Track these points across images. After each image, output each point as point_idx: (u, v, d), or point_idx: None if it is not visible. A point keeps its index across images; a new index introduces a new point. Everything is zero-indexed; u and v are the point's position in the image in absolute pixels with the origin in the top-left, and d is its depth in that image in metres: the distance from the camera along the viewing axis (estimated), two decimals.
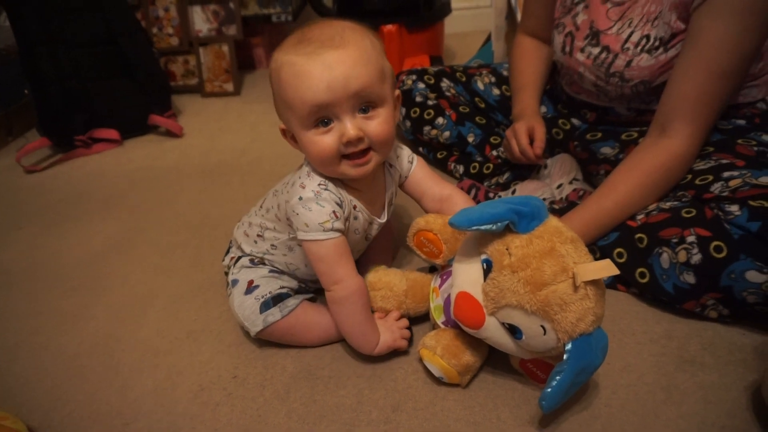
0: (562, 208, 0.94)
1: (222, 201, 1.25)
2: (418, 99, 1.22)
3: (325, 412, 0.72)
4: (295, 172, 0.79)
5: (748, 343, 0.76)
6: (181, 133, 1.63)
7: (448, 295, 0.72)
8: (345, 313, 0.75)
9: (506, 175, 1.13)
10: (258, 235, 0.85)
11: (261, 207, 0.86)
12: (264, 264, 0.85)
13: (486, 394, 0.72)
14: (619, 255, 0.84)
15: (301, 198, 0.72)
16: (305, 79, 0.66)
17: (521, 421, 0.68)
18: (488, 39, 1.72)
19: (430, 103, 1.20)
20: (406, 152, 0.86)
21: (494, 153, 1.15)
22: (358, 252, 0.87)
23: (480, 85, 1.24)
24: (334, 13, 1.83)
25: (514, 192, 1.06)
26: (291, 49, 0.68)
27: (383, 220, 0.83)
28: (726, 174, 0.80)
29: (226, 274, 0.89)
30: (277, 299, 0.79)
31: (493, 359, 0.75)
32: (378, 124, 0.70)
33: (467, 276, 0.67)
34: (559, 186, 1.05)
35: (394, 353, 0.78)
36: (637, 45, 0.90)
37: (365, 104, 0.69)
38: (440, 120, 1.19)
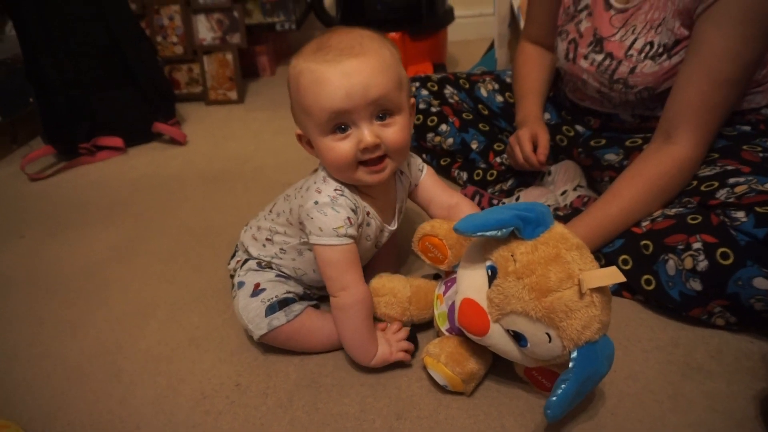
0: (567, 215, 0.94)
1: (225, 208, 1.25)
2: (422, 106, 1.22)
3: (328, 421, 0.71)
4: (309, 177, 0.80)
5: (756, 350, 0.75)
6: (185, 140, 1.64)
7: (453, 302, 0.71)
8: (347, 320, 0.75)
9: (510, 182, 1.13)
10: (267, 239, 0.85)
11: (271, 211, 0.86)
12: (271, 268, 0.85)
13: (490, 403, 0.71)
14: (625, 262, 0.83)
15: (316, 202, 0.73)
16: (324, 86, 0.67)
17: (526, 431, 0.67)
18: (491, 46, 1.73)
19: (433, 110, 1.20)
20: (416, 161, 0.87)
21: (498, 160, 1.15)
22: (366, 259, 0.87)
23: (483, 92, 1.24)
24: (338, 22, 1.84)
25: (518, 199, 1.06)
26: (311, 56, 0.69)
27: (393, 227, 0.83)
28: (732, 180, 0.80)
29: (232, 277, 0.89)
30: (282, 303, 0.78)
31: (497, 367, 0.74)
32: (394, 131, 0.71)
33: (472, 282, 0.66)
34: (563, 193, 1.04)
35: (398, 363, 0.77)
36: (640, 52, 0.90)
37: (382, 112, 0.70)
38: (443, 127, 1.19)
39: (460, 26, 2.04)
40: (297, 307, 0.78)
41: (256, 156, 1.50)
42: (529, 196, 1.05)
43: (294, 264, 0.83)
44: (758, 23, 0.76)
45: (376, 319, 0.81)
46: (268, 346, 0.82)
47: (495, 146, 1.17)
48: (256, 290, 0.81)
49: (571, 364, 0.59)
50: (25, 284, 1.06)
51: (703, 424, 0.66)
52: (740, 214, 0.74)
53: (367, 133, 0.69)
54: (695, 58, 0.81)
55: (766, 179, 0.77)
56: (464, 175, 1.19)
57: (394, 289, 0.79)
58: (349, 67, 0.67)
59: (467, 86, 1.25)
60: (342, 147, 0.70)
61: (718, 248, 0.73)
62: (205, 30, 1.89)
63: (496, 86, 1.24)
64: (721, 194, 0.79)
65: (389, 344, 0.76)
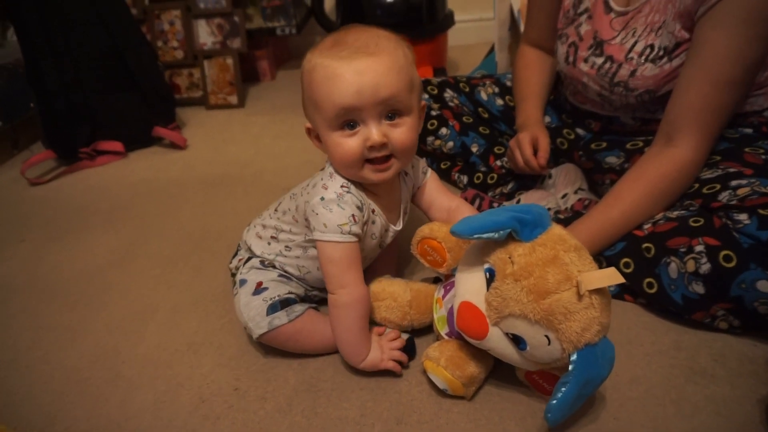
0: (568, 218, 0.93)
1: (225, 213, 1.25)
2: None
3: (328, 426, 0.70)
4: (316, 175, 0.80)
5: (760, 354, 0.74)
6: (185, 145, 1.64)
7: (452, 306, 0.71)
8: (342, 318, 0.75)
9: (510, 185, 1.12)
10: (272, 237, 0.85)
11: (276, 210, 0.87)
12: (274, 267, 0.85)
13: (491, 407, 0.70)
14: (626, 265, 0.83)
15: (322, 198, 0.74)
16: (337, 82, 0.68)
17: None
18: (491, 50, 1.73)
19: (433, 113, 1.20)
20: (421, 163, 0.88)
21: (498, 163, 1.15)
22: (370, 259, 0.87)
23: (483, 96, 1.23)
24: (338, 26, 1.84)
25: (518, 202, 1.06)
26: (325, 52, 0.70)
27: (398, 227, 0.84)
28: (734, 182, 0.79)
29: (233, 275, 0.89)
30: (284, 303, 0.78)
31: (498, 371, 0.74)
32: (402, 132, 0.72)
33: (470, 285, 0.66)
34: (564, 196, 1.04)
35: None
36: (641, 54, 0.89)
37: (392, 112, 0.71)
38: (444, 130, 1.18)
39: (460, 30, 2.04)
40: (299, 307, 0.78)
41: (256, 160, 1.50)
42: (530, 199, 1.04)
43: (298, 262, 0.83)
44: (760, 25, 0.76)
45: (376, 323, 0.81)
46: (267, 350, 0.82)
47: (495, 149, 1.17)
48: (258, 288, 0.80)
49: (571, 367, 0.59)
50: (25, 289, 1.06)
51: (707, 428, 0.65)
52: (743, 217, 0.74)
53: (374, 131, 0.70)
54: (696, 60, 0.81)
55: None
56: (464, 179, 1.19)
57: (394, 293, 0.79)
58: (363, 65, 0.67)
59: (467, 90, 1.24)
60: (349, 143, 0.71)
61: (720, 251, 0.73)
62: (205, 34, 1.90)
63: (497, 89, 1.24)
64: (724, 196, 0.78)
65: (382, 350, 0.76)
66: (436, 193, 0.88)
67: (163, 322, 0.92)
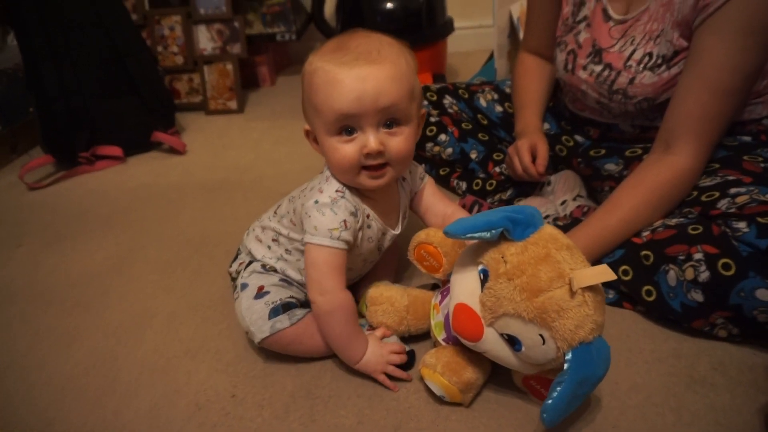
0: (566, 225, 0.93)
1: (224, 218, 1.25)
2: None
3: None
4: (315, 178, 0.81)
5: (760, 363, 0.74)
6: (185, 150, 1.64)
7: (448, 312, 0.70)
8: (329, 328, 0.75)
9: (509, 192, 1.12)
10: (273, 240, 0.85)
11: (275, 213, 0.87)
12: (275, 271, 0.85)
13: (490, 414, 0.70)
14: (625, 272, 0.83)
15: (317, 201, 0.74)
16: (337, 87, 0.68)
17: None
18: (491, 57, 1.73)
19: (432, 119, 1.20)
20: (419, 169, 0.88)
21: (497, 169, 1.15)
22: (371, 263, 0.87)
23: (482, 102, 1.24)
24: (338, 32, 1.85)
25: None
26: (328, 56, 0.70)
27: (397, 231, 0.84)
28: (733, 190, 0.79)
29: (233, 279, 0.89)
30: (286, 307, 0.78)
31: (496, 378, 0.73)
32: (399, 141, 0.72)
33: (464, 287, 0.66)
34: (563, 203, 1.04)
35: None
36: (639, 62, 0.90)
37: (390, 120, 0.71)
38: (443, 137, 1.18)
39: (459, 37, 2.04)
40: (300, 311, 0.78)
41: (255, 166, 1.50)
42: (529, 205, 1.04)
43: (299, 265, 0.83)
44: (758, 34, 0.76)
45: (373, 328, 0.80)
46: (265, 355, 0.81)
47: (494, 156, 1.17)
48: (260, 292, 0.80)
49: (566, 366, 0.59)
50: (22, 294, 1.05)
51: None
52: (742, 225, 0.74)
53: (372, 139, 0.70)
54: (695, 68, 0.81)
55: None
56: (463, 185, 1.19)
57: (391, 298, 0.79)
58: (364, 73, 0.67)
59: (466, 96, 1.25)
60: (346, 149, 0.71)
61: (719, 259, 0.72)
62: (205, 40, 1.90)
63: (496, 96, 1.24)
64: (722, 204, 0.78)
65: (380, 355, 0.75)
66: (433, 199, 0.88)
67: (161, 328, 0.92)
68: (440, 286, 0.82)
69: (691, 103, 0.81)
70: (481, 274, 0.64)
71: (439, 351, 0.72)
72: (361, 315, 0.84)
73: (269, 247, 0.86)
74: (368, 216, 0.78)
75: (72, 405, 0.78)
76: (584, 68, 0.98)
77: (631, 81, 0.91)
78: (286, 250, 0.84)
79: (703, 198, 0.82)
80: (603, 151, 1.03)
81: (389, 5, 1.70)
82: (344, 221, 0.73)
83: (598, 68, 0.95)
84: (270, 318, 0.77)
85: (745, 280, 0.70)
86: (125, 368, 0.84)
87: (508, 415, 0.70)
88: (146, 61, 1.63)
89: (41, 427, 0.75)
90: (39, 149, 1.64)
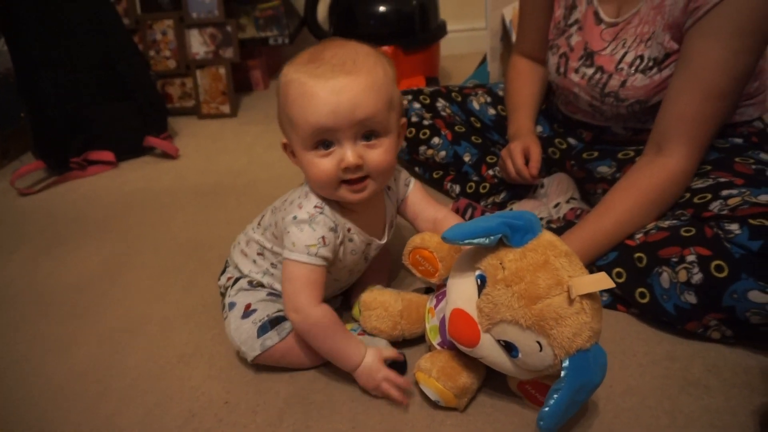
0: (560, 228, 0.93)
1: (217, 223, 1.24)
2: (414, 119, 1.22)
3: None
4: (295, 190, 0.79)
5: (754, 365, 0.74)
6: (177, 154, 1.63)
7: (444, 316, 0.70)
8: (314, 344, 0.74)
9: (503, 195, 1.12)
10: (258, 254, 0.84)
11: (259, 225, 0.85)
12: (263, 286, 0.84)
13: (485, 419, 0.70)
14: (618, 275, 0.83)
15: (295, 217, 0.72)
16: (312, 101, 0.66)
17: None
18: (483, 60, 1.73)
19: (425, 123, 1.20)
20: (403, 175, 0.86)
21: (490, 172, 1.15)
22: (358, 272, 0.86)
23: (475, 105, 1.24)
24: (331, 36, 1.85)
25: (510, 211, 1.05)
26: (302, 67, 0.68)
27: (383, 241, 0.83)
28: (725, 192, 0.79)
29: (222, 295, 0.88)
30: (274, 322, 0.77)
31: (491, 382, 0.73)
32: (379, 153, 0.70)
33: (462, 292, 0.65)
34: (556, 205, 1.04)
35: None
36: (631, 65, 0.90)
37: (368, 132, 0.69)
38: (436, 140, 1.18)
39: (452, 40, 2.05)
40: (288, 324, 0.77)
41: (248, 170, 1.50)
42: (522, 208, 1.04)
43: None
44: (749, 36, 0.76)
45: (368, 333, 0.80)
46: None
47: (488, 159, 1.17)
48: (247, 311, 0.79)
49: (563, 373, 0.59)
50: (15, 301, 1.04)
51: None
52: (734, 227, 0.74)
53: (350, 153, 0.68)
54: (685, 71, 0.81)
55: (760, 191, 0.77)
56: (457, 188, 1.19)
57: (385, 302, 0.78)
58: (339, 85, 0.65)
59: (459, 99, 1.25)
60: (324, 164, 0.69)
61: (712, 261, 0.73)
62: (198, 44, 1.89)
63: (489, 99, 1.24)
64: (715, 206, 0.79)
65: (378, 369, 0.72)
66: (421, 204, 0.86)
67: (154, 334, 0.91)
68: (434, 290, 0.82)
69: (682, 105, 0.82)
70: (479, 280, 0.64)
71: (434, 355, 0.72)
72: (354, 319, 0.83)
73: (255, 261, 0.85)
74: (349, 230, 0.76)
75: (66, 411, 0.78)
76: (576, 71, 0.98)
77: (623, 84, 0.91)
78: (272, 263, 0.82)
79: (696, 200, 0.82)
80: (596, 154, 1.04)
81: (382, 9, 1.70)
82: (323, 237, 0.72)
83: (590, 71, 0.96)
84: (259, 336, 0.76)
85: (737, 282, 0.71)
86: (118, 375, 0.83)
87: (503, 419, 0.70)
88: (138, 65, 1.62)
89: None
90: (30, 155, 1.63)
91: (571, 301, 0.58)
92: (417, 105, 1.23)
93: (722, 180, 0.82)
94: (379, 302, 0.78)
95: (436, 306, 0.76)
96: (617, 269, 0.83)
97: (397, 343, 0.81)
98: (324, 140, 0.68)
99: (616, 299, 0.86)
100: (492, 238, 0.61)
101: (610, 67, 0.92)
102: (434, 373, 0.69)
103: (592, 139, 1.07)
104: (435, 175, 1.23)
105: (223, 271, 0.91)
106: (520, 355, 0.61)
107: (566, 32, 1.01)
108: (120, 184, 1.50)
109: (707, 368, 0.74)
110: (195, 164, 1.58)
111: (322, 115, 0.66)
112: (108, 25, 1.55)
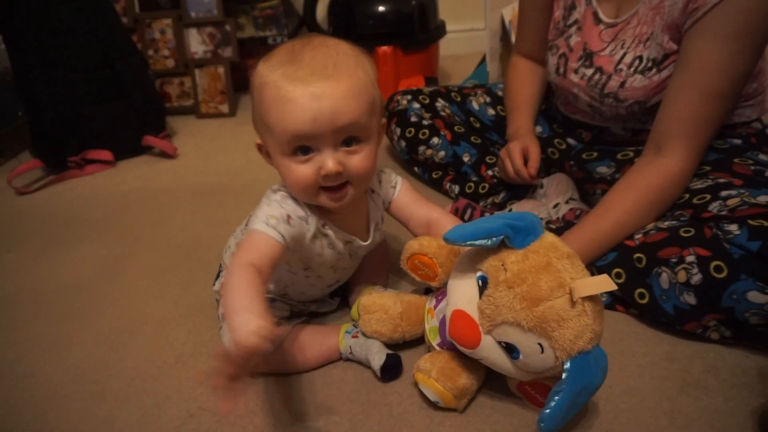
0: (559, 228, 0.93)
1: (215, 223, 1.24)
2: (413, 119, 1.22)
3: None
4: (271, 194, 0.75)
5: (753, 365, 0.74)
6: (176, 154, 1.63)
7: (444, 316, 0.70)
8: (225, 290, 0.63)
9: (502, 195, 1.12)
10: None
11: (246, 227, 0.84)
12: None
13: (484, 420, 0.70)
14: (618, 275, 0.83)
15: (267, 196, 0.72)
16: (290, 107, 0.63)
17: None
18: (483, 60, 1.73)
19: (425, 123, 1.20)
20: (388, 177, 0.84)
21: (490, 173, 1.15)
22: (346, 270, 0.85)
23: (475, 105, 1.24)
24: (330, 36, 1.85)
25: (510, 212, 1.05)
26: (278, 67, 0.65)
27: (367, 243, 0.81)
28: (724, 193, 0.80)
29: (217, 301, 0.87)
30: None
31: (490, 383, 0.73)
32: (359, 159, 0.68)
33: (462, 294, 0.65)
34: (556, 206, 1.04)
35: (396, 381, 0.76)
36: (630, 66, 0.90)
37: (349, 138, 0.66)
38: (435, 140, 1.18)
39: (451, 41, 2.05)
40: (281, 330, 0.76)
41: (247, 170, 1.49)
42: (522, 208, 1.04)
43: (276, 276, 0.81)
44: (747, 37, 0.76)
45: (366, 335, 0.80)
46: None
47: (487, 159, 1.17)
48: None
49: (564, 375, 0.59)
50: (11, 301, 1.04)
51: None
52: (733, 227, 0.74)
53: (330, 160, 0.65)
54: (684, 72, 0.81)
55: (759, 192, 0.77)
56: (456, 188, 1.19)
57: (384, 305, 0.78)
58: (319, 90, 0.62)
59: (459, 99, 1.25)
60: (302, 170, 0.67)
61: (711, 261, 0.73)
62: (196, 44, 1.89)
63: (488, 99, 1.24)
64: (714, 207, 0.79)
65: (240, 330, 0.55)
66: (412, 205, 0.84)
67: (152, 334, 0.91)
68: (433, 291, 0.82)
69: (681, 106, 0.82)
70: (480, 281, 0.64)
71: (434, 356, 0.72)
72: (353, 320, 0.83)
73: None
74: (324, 225, 0.74)
75: (62, 414, 0.77)
76: (575, 72, 0.98)
77: (622, 84, 0.91)
78: None
79: (695, 200, 0.82)
80: (595, 154, 1.04)
81: (381, 9, 1.70)
82: (288, 216, 0.69)
83: (590, 72, 0.96)
84: None
85: (736, 283, 0.71)
86: (116, 376, 0.83)
87: (502, 420, 0.69)
88: (137, 64, 1.62)
89: None
90: (27, 153, 1.62)
91: (573, 303, 0.58)
92: (416, 105, 1.23)
93: (721, 181, 0.82)
94: (379, 305, 0.78)
95: (435, 307, 0.76)
96: (616, 270, 0.83)
97: (397, 344, 0.81)
98: (302, 146, 0.66)
99: (616, 300, 0.86)
100: (494, 239, 0.60)
101: (609, 68, 0.92)
102: (433, 373, 0.69)
103: (591, 140, 1.07)
104: (434, 176, 1.23)
105: (218, 276, 0.90)
106: (521, 357, 0.61)
107: (565, 33, 1.01)
108: (118, 184, 1.49)
109: (706, 369, 0.74)
110: (193, 164, 1.58)
111: (301, 122, 0.63)
112: (106, 24, 1.54)
